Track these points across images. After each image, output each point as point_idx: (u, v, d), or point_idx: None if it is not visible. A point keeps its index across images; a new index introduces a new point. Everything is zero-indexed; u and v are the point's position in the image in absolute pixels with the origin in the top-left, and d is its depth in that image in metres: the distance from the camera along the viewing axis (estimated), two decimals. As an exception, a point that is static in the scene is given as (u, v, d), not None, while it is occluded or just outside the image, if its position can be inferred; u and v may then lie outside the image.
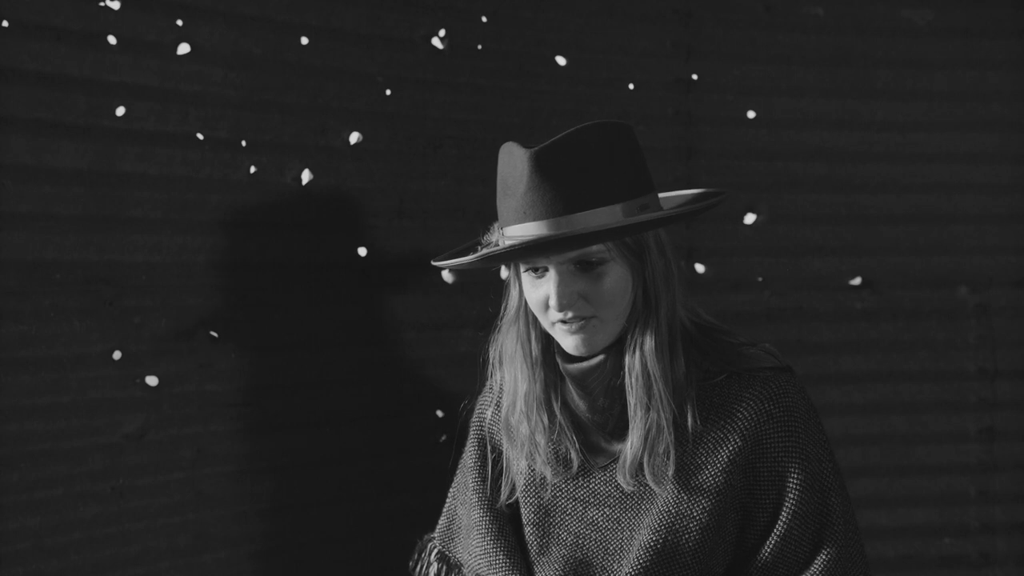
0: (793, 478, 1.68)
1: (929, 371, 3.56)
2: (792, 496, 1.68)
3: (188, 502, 2.81)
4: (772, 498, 1.69)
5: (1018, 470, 3.59)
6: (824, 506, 1.70)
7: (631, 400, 1.69)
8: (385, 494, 3.11)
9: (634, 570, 1.70)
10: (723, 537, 1.70)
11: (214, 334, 2.83)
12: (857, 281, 3.52)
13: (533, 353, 1.76)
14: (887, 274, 3.53)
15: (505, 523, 1.84)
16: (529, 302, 1.71)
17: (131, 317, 2.69)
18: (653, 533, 1.69)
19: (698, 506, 1.69)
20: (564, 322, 1.68)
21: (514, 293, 1.77)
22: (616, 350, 1.71)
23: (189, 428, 2.80)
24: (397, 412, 3.14)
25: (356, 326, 3.07)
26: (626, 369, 1.70)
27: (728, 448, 1.69)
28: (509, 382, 1.79)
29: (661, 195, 1.78)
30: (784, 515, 1.68)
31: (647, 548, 1.69)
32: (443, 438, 3.15)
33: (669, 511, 1.69)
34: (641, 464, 1.69)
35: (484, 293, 3.17)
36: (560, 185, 1.61)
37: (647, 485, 1.71)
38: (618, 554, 1.73)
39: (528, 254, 1.63)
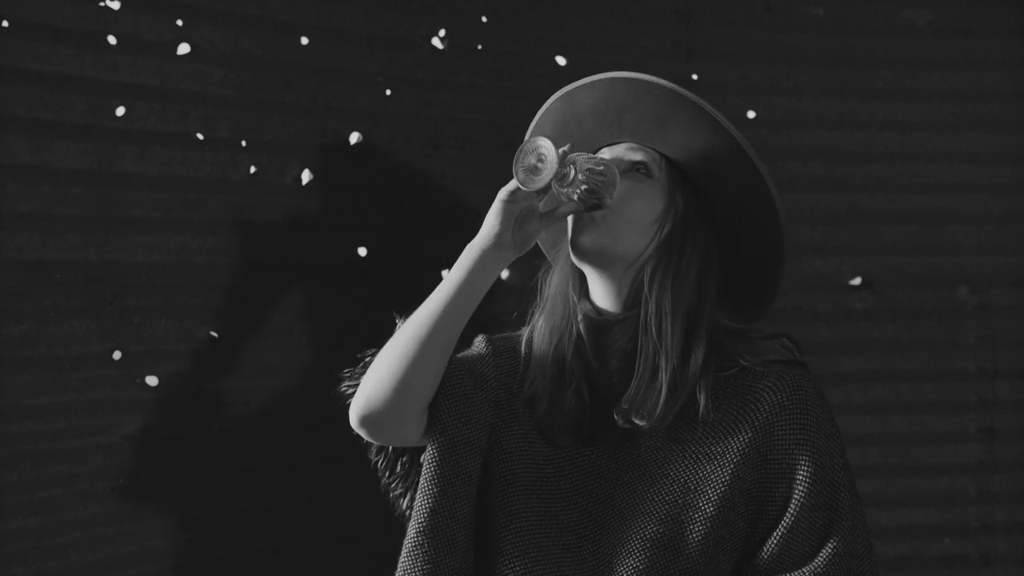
0: (803, 470, 1.68)
1: (929, 371, 3.55)
2: (801, 488, 1.68)
3: (188, 502, 2.81)
4: (782, 491, 1.69)
5: (1018, 470, 3.58)
6: (833, 500, 1.69)
7: (641, 354, 1.71)
8: (385, 494, 3.10)
9: (640, 563, 1.68)
10: (731, 532, 1.69)
11: (214, 334, 2.83)
12: (857, 281, 3.52)
13: (574, 291, 1.80)
14: (887, 274, 3.53)
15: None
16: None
17: (131, 317, 2.69)
18: (658, 524, 1.68)
19: (704, 497, 1.68)
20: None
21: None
22: (637, 314, 1.72)
23: (189, 428, 2.80)
24: (397, 412, 3.13)
25: (356, 326, 3.07)
26: (641, 317, 1.71)
27: (739, 440, 1.69)
28: (546, 318, 1.81)
29: None
30: (792, 507, 1.68)
31: (652, 540, 1.68)
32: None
33: (676, 502, 1.69)
34: (634, 402, 1.69)
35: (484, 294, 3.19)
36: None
37: (645, 461, 1.70)
38: (603, 529, 1.71)
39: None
